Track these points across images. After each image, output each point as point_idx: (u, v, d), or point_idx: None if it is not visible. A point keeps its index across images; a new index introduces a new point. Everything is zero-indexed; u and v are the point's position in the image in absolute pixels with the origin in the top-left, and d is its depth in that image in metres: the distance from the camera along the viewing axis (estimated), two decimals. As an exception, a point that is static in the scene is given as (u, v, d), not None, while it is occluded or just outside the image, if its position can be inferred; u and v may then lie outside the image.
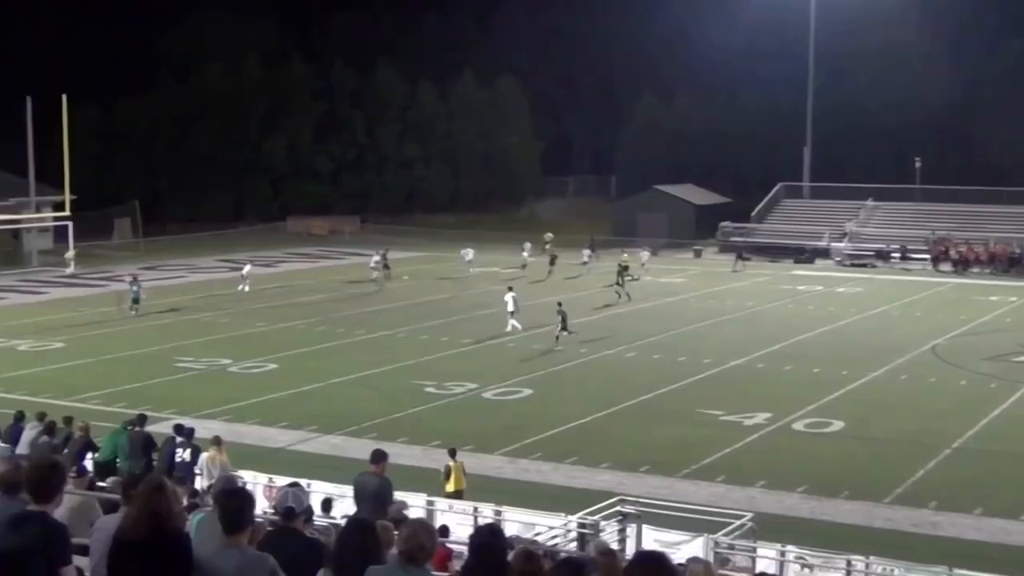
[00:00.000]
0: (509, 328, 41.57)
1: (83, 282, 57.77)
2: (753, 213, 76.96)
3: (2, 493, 8.43)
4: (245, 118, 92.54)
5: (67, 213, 65.03)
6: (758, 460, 25.97)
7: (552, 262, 59.94)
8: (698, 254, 71.47)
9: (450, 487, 20.99)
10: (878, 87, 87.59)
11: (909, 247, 68.15)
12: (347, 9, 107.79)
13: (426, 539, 6.92)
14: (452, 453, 21.81)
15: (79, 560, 7.98)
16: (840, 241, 70.91)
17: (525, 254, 62.81)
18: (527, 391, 32.96)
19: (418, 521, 7.16)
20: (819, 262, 68.69)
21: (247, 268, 55.04)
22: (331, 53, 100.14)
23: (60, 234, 66.56)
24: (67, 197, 64.64)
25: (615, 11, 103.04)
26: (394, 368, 36.02)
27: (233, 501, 7.27)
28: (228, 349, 38.98)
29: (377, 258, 57.90)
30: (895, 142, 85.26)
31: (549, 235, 70.28)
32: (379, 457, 15.90)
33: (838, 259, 68.82)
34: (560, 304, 40.77)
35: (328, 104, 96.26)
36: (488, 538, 7.24)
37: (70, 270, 61.31)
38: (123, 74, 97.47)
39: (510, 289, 43.34)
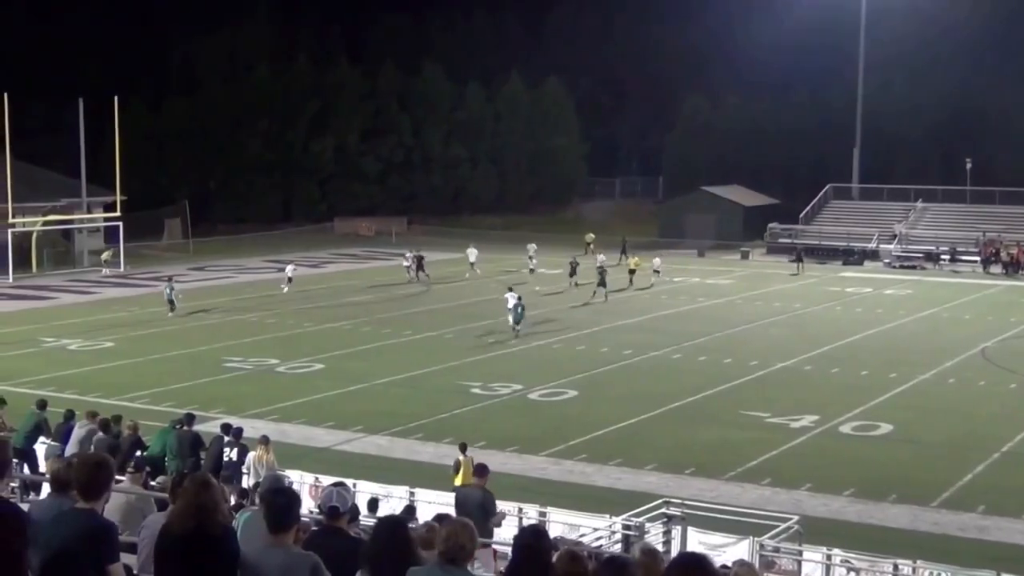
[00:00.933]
0: (511, 323, 42.15)
1: (133, 282, 58.24)
2: (802, 214, 76.56)
3: (53, 491, 8.57)
4: (293, 119, 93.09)
5: (117, 214, 65.70)
6: (804, 463, 25.83)
7: (573, 271, 55.57)
8: (745, 256, 71.05)
9: (458, 481, 21.05)
10: (927, 87, 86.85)
11: (959, 249, 67.60)
12: (394, 10, 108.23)
13: (466, 539, 6.94)
14: (463, 448, 21.91)
15: (127, 558, 8.08)
16: (889, 243, 70.39)
17: (532, 259, 60.79)
18: (572, 392, 32.93)
19: (458, 521, 7.18)
20: (868, 264, 68.26)
21: (289, 268, 55.39)
22: (378, 54, 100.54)
23: (111, 234, 67.10)
24: (118, 198, 65.30)
25: (662, 12, 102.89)
26: (440, 369, 36.11)
27: (279, 500, 7.34)
28: (275, 349, 39.20)
29: (410, 256, 58.57)
30: (944, 143, 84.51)
31: (591, 235, 70.16)
32: (483, 471, 16.86)
33: (887, 261, 68.34)
34: (520, 298, 42.50)
35: (375, 105, 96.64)
36: (532, 539, 7.25)
37: (105, 271, 61.36)
38: (172, 75, 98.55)
39: (510, 289, 44.85)
